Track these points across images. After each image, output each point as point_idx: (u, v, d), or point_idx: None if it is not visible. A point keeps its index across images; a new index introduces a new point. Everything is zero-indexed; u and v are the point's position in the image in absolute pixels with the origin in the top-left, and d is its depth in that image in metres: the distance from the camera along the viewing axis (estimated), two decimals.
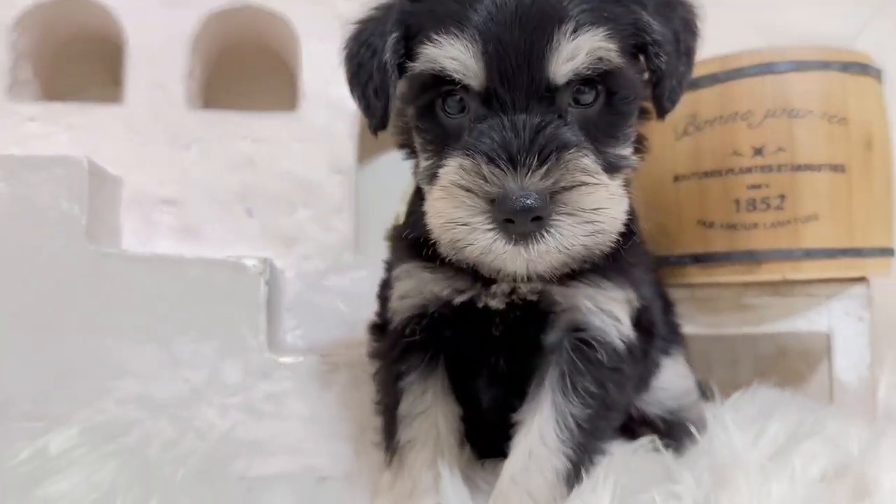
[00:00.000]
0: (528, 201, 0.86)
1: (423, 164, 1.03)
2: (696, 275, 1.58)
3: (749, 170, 1.50)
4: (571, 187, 0.89)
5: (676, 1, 1.07)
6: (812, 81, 1.50)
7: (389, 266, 1.28)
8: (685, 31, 1.05)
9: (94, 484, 1.22)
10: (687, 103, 1.58)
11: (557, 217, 0.88)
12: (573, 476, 1.05)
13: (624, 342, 1.11)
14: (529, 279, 1.00)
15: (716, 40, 2.41)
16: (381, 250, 1.85)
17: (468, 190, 0.90)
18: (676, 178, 1.59)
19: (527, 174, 0.87)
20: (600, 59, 0.92)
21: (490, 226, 0.89)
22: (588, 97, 0.96)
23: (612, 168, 0.98)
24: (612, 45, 0.92)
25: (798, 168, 1.48)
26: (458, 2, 0.95)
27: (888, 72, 2.46)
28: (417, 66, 0.98)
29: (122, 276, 1.49)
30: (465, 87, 0.95)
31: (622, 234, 1.04)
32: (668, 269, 1.62)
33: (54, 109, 1.81)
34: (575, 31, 0.90)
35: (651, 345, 1.32)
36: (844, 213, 1.49)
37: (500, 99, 0.93)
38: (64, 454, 1.36)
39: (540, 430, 1.07)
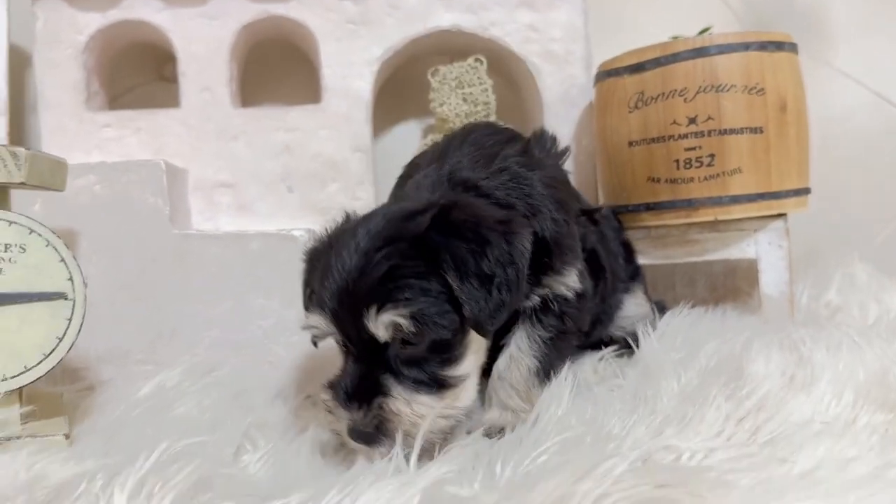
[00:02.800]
0: (361, 431, 1.19)
1: None
2: (649, 219, 1.99)
3: (685, 136, 1.88)
4: (387, 421, 1.18)
5: (490, 244, 1.21)
6: (735, 61, 1.86)
7: None
8: (502, 267, 1.21)
9: (204, 408, 1.65)
10: (636, 83, 1.95)
11: (385, 438, 1.18)
12: (542, 373, 1.40)
13: (572, 293, 1.43)
14: None
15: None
16: None
17: (333, 414, 1.24)
18: (630, 144, 1.98)
19: (353, 412, 1.19)
20: (399, 327, 1.16)
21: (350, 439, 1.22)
22: (415, 340, 1.20)
23: (443, 385, 1.23)
24: (404, 319, 1.15)
25: (724, 132, 1.86)
26: (318, 282, 1.27)
27: (829, 17, 2.81)
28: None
29: (201, 251, 1.91)
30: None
31: (556, 243, 1.39)
32: (627, 215, 2.02)
33: (124, 116, 2.20)
34: (378, 311, 1.16)
35: (602, 281, 1.65)
36: (763, 165, 1.87)
37: (350, 350, 1.25)
38: (175, 388, 1.81)
39: (517, 342, 1.42)
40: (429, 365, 1.23)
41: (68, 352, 1.48)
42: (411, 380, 1.21)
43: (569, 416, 1.33)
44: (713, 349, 1.45)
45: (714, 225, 1.98)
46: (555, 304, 1.41)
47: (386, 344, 1.20)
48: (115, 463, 1.26)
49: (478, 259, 1.20)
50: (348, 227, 1.32)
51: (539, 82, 2.31)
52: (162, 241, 1.90)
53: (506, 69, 2.46)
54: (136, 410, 1.65)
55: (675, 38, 1.99)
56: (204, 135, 2.20)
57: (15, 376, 1.43)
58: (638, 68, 1.94)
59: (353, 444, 1.22)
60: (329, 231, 1.41)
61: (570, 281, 1.42)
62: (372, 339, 1.19)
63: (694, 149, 1.88)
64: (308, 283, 1.41)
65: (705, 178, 1.88)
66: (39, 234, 1.48)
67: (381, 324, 1.17)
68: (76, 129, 2.16)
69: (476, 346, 1.29)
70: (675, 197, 1.92)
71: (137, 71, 2.57)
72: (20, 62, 2.37)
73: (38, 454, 1.24)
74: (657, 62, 1.91)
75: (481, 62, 2.31)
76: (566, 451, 1.18)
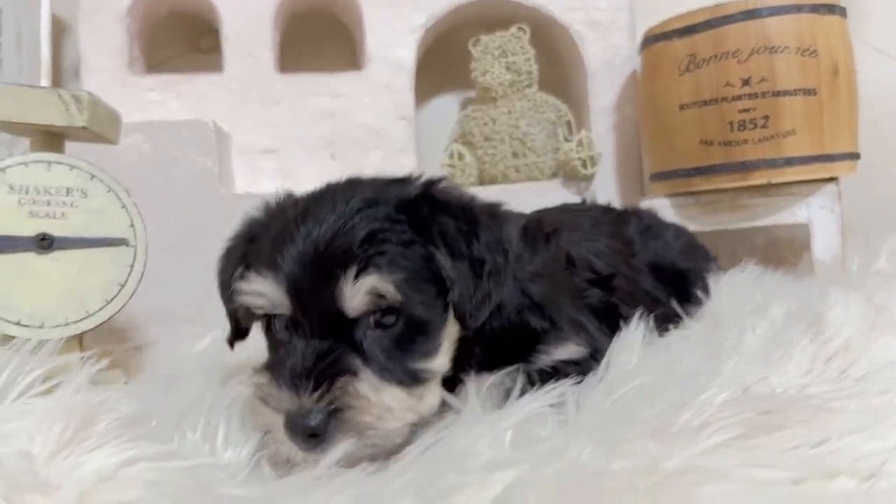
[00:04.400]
0: (304, 421, 0.93)
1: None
2: (700, 184, 1.97)
3: (739, 97, 1.87)
4: (345, 409, 0.95)
5: (480, 227, 1.09)
6: (787, 23, 1.86)
7: None
8: (491, 253, 1.08)
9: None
10: (686, 46, 1.95)
11: (335, 434, 0.95)
12: None
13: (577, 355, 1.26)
14: None
15: None
16: None
17: (265, 402, 0.99)
18: (681, 107, 1.96)
19: (304, 395, 0.94)
20: (382, 296, 0.99)
21: (284, 436, 0.96)
22: (389, 320, 1.01)
23: (414, 379, 1.03)
24: (389, 286, 0.99)
25: (778, 94, 1.85)
26: (271, 246, 1.04)
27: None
28: (239, 297, 1.08)
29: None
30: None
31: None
32: (677, 181, 2.01)
33: (167, 80, 2.19)
34: (357, 275, 0.97)
35: None
36: (816, 127, 1.87)
37: (303, 326, 1.01)
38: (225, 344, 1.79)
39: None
40: (400, 352, 1.03)
41: (130, 298, 1.46)
42: (379, 365, 1.01)
43: (641, 364, 1.30)
44: (784, 301, 1.44)
45: (766, 189, 1.97)
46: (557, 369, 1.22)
47: (353, 321, 1.01)
48: (180, 402, 1.24)
49: (469, 240, 1.07)
50: (310, 195, 1.14)
51: (582, 51, 2.30)
52: (210, 201, 1.89)
53: (546, 38, 2.45)
54: (191, 365, 1.63)
55: (727, 1, 1.98)
56: (247, 100, 2.19)
57: (77, 321, 1.41)
58: (689, 31, 1.94)
59: (282, 445, 0.98)
60: (275, 204, 1.20)
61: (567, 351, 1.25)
62: (338, 313, 0.99)
63: (748, 110, 1.87)
64: (242, 258, 1.15)
65: (760, 140, 1.87)
66: (101, 180, 1.46)
67: (361, 291, 0.98)
68: (119, 93, 2.13)
69: (450, 341, 1.10)
70: (729, 160, 1.90)
71: (173, 42, 2.55)
72: (58, 30, 2.35)
73: (106, 391, 1.22)
74: (708, 24, 1.91)
75: (524, 31, 2.30)
76: (643, 395, 1.15)
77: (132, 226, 1.47)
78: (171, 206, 1.88)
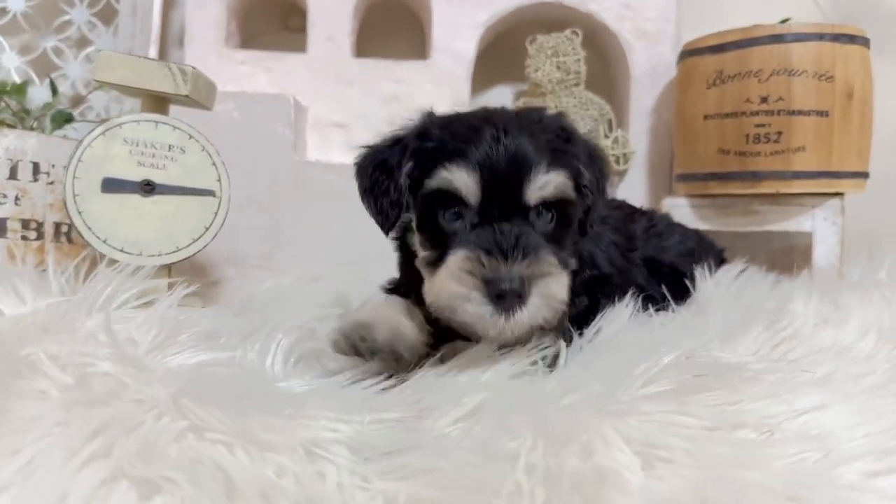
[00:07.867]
0: (514, 284, 1.16)
1: (424, 254, 1.30)
2: (715, 188, 2.19)
3: (757, 113, 2.08)
4: (542, 276, 1.19)
5: (596, 155, 1.41)
6: (809, 49, 2.05)
7: None
8: (601, 177, 1.40)
9: (318, 303, 1.94)
10: (716, 62, 2.16)
11: (531, 297, 1.18)
12: None
13: None
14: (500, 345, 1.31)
15: None
16: None
17: (470, 273, 1.19)
18: (706, 117, 2.18)
19: (513, 264, 1.17)
20: (562, 191, 1.25)
21: (483, 300, 1.17)
22: (547, 216, 1.27)
23: (565, 265, 1.28)
24: (570, 183, 1.27)
25: (792, 113, 2.05)
26: (464, 142, 1.24)
27: None
28: (433, 183, 1.25)
29: (317, 177, 2.21)
30: (465, 203, 1.24)
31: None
32: (696, 183, 2.23)
33: (257, 56, 2.51)
34: (547, 170, 1.23)
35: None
36: (826, 145, 2.06)
37: (490, 213, 1.22)
38: (287, 287, 2.11)
39: None
40: (556, 240, 1.27)
41: (212, 239, 1.78)
42: (547, 248, 1.24)
43: (625, 334, 1.55)
44: (762, 297, 1.65)
45: (776, 198, 2.17)
46: None
47: (527, 210, 1.24)
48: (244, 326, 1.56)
49: (592, 166, 1.38)
50: (478, 112, 1.35)
51: (629, 57, 2.52)
52: (285, 165, 2.19)
53: (597, 43, 2.67)
54: (258, 301, 1.94)
55: (757, 25, 2.18)
56: (324, 79, 2.48)
57: (169, 253, 1.74)
58: (719, 49, 2.14)
59: (480, 307, 1.18)
60: (432, 116, 1.39)
61: None
62: (520, 202, 1.23)
63: (763, 126, 2.07)
64: (414, 153, 1.32)
65: (771, 153, 2.07)
66: (197, 140, 1.77)
67: (551, 185, 1.23)
68: (215, 63, 2.46)
69: None
70: (743, 168, 2.12)
71: (265, 20, 2.86)
72: (168, 1, 2.68)
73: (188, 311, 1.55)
74: (737, 45, 2.11)
75: (577, 34, 2.53)
76: (616, 355, 1.39)
77: (219, 180, 1.78)
78: (252, 166, 2.19)
